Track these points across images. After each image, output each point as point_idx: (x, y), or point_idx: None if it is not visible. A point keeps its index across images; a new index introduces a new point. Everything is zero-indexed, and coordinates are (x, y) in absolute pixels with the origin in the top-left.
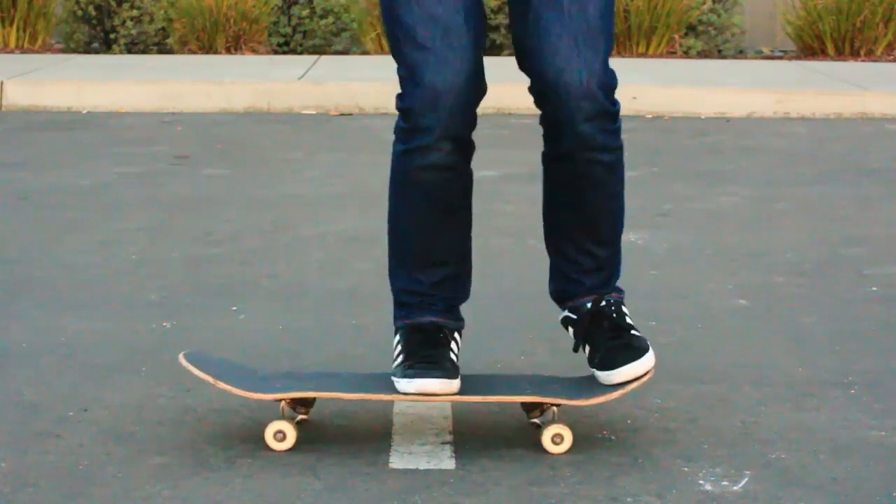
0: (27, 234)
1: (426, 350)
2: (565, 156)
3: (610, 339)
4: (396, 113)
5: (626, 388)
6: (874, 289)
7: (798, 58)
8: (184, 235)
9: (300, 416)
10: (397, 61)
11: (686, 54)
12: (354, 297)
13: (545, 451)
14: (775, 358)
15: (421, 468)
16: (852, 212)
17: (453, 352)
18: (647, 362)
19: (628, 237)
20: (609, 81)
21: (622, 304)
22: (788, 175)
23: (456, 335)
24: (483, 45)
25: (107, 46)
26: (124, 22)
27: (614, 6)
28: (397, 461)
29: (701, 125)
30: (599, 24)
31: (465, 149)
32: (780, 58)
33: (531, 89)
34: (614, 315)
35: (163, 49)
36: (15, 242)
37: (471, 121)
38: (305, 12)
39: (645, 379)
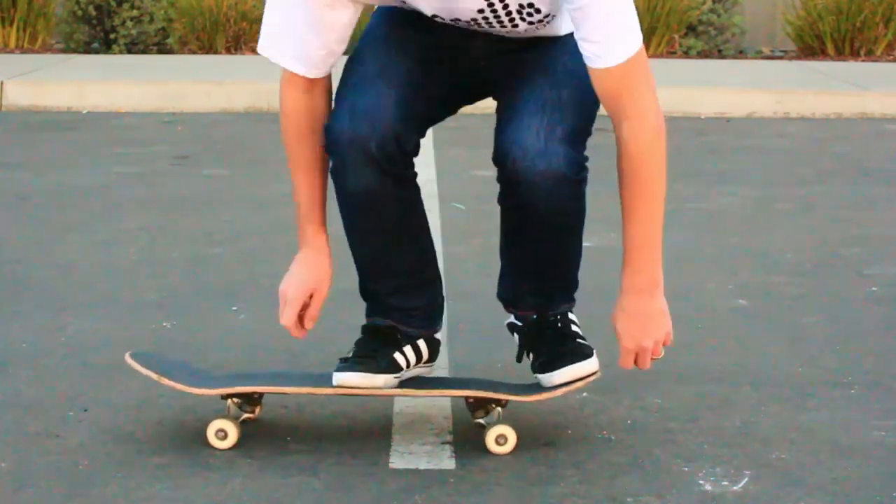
0: (27, 234)
1: (367, 346)
2: (520, 207)
3: (554, 347)
4: None
5: (570, 387)
6: (874, 289)
7: (798, 58)
8: (184, 235)
9: (245, 416)
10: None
11: (686, 54)
12: (354, 297)
13: (545, 451)
14: (775, 358)
15: (421, 468)
16: (852, 212)
17: (403, 353)
18: (589, 366)
19: None
20: (572, 151)
21: (569, 312)
22: (788, 175)
23: (419, 343)
24: (434, 111)
25: (107, 46)
26: (124, 22)
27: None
28: (397, 461)
29: (701, 125)
30: (572, 100)
31: (394, 170)
32: (780, 58)
33: (493, 156)
34: (559, 325)
35: (163, 49)
36: (15, 242)
37: (390, 154)
38: None
39: (589, 380)
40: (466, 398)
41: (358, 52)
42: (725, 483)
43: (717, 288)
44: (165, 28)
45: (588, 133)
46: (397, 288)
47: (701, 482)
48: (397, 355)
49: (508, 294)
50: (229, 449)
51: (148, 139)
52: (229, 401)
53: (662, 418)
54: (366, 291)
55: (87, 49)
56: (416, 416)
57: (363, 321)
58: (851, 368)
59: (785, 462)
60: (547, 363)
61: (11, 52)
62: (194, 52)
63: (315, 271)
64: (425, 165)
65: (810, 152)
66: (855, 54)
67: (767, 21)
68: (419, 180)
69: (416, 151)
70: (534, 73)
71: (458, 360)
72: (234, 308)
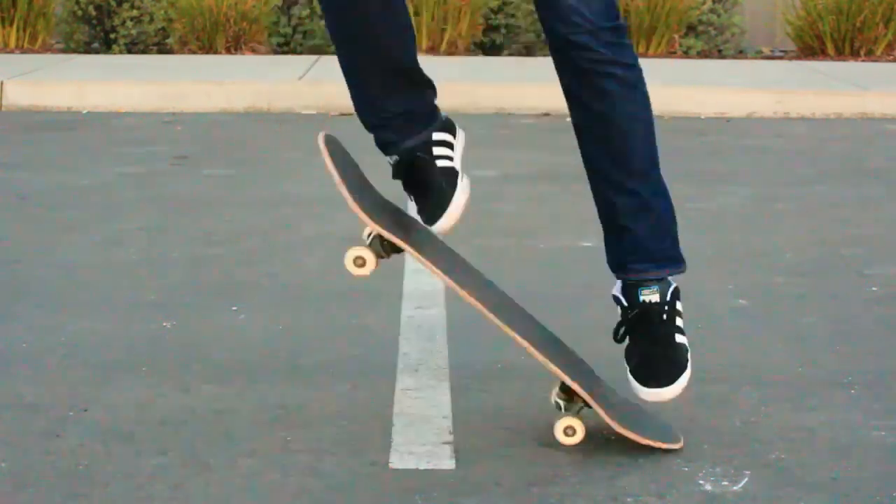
0: (27, 234)
1: (423, 189)
2: (578, 72)
3: (650, 345)
4: None
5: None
6: (874, 289)
7: (798, 58)
8: (184, 235)
9: (382, 256)
10: None
11: (686, 54)
12: (354, 297)
13: (545, 451)
14: (775, 358)
15: (421, 468)
16: (852, 212)
17: (445, 157)
18: (676, 388)
19: None
20: (606, 4)
21: (677, 300)
22: (788, 175)
23: (443, 134)
24: None
25: (107, 46)
26: (124, 22)
27: None
28: (397, 461)
29: (701, 125)
30: None
31: None
32: (780, 58)
33: (544, 29)
34: (664, 318)
35: (163, 49)
36: (15, 242)
37: None
38: (305, 12)
39: (625, 434)
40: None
41: None
42: (725, 483)
43: (717, 288)
44: (165, 28)
45: None
46: (394, 86)
47: (701, 482)
48: (443, 163)
49: (616, 243)
50: (229, 449)
51: (148, 139)
52: (372, 237)
53: (662, 418)
54: (367, 110)
55: (87, 49)
56: (416, 416)
57: (363, 321)
58: (851, 368)
59: (785, 462)
60: (640, 370)
61: (11, 52)
62: (194, 52)
63: None
64: None
65: (810, 152)
66: (855, 54)
67: (767, 21)
68: None
69: None
70: None
71: (459, 361)
72: (234, 308)
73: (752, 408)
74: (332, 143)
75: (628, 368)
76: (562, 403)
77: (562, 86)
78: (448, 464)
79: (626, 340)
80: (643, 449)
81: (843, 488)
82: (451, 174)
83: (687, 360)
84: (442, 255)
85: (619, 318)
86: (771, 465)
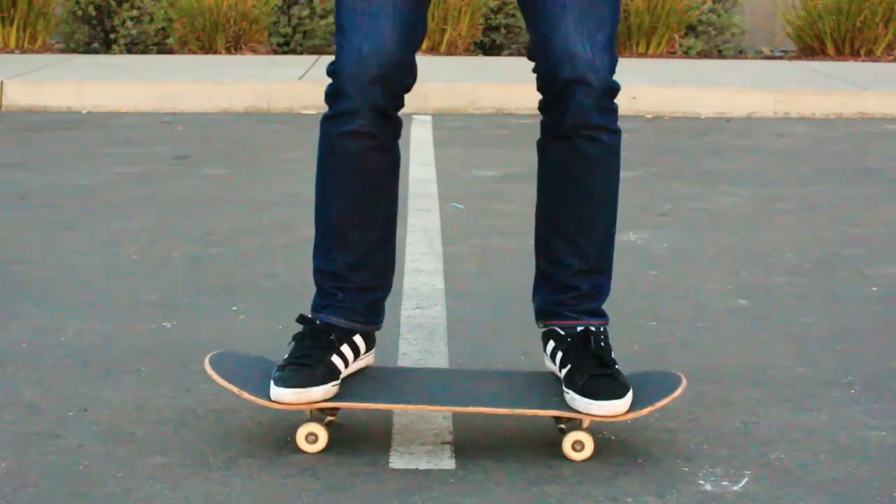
0: (27, 234)
1: (302, 350)
2: (563, 135)
3: (596, 366)
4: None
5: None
6: (874, 289)
7: (798, 58)
8: (184, 235)
9: (328, 418)
10: (336, 28)
11: (686, 54)
12: None
13: (545, 451)
14: (775, 358)
15: (421, 468)
16: (852, 212)
17: (341, 354)
18: (625, 403)
19: (628, 237)
20: (612, 58)
21: (608, 336)
22: (788, 175)
23: (356, 340)
24: (421, 31)
25: (107, 46)
26: (124, 22)
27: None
28: (397, 461)
29: (701, 125)
30: (602, 4)
31: (389, 124)
32: (780, 58)
33: (536, 70)
34: (602, 344)
35: (163, 49)
36: (15, 242)
37: (394, 94)
38: (305, 12)
39: (625, 417)
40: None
41: None
42: (725, 483)
43: (717, 288)
44: (165, 28)
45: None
46: (360, 263)
47: (701, 482)
48: (335, 358)
49: (551, 295)
50: (229, 449)
51: (148, 139)
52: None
53: (662, 418)
54: (319, 270)
55: (87, 49)
56: (417, 416)
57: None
58: (851, 368)
59: (785, 462)
60: (588, 387)
61: (11, 52)
62: (194, 52)
63: None
64: (425, 165)
65: (810, 152)
66: (855, 54)
67: (767, 21)
68: (419, 178)
69: (411, 86)
70: None
71: (458, 361)
72: (234, 308)
73: (752, 408)
74: (216, 361)
75: (572, 391)
76: (563, 425)
77: (539, 141)
78: (448, 464)
79: (566, 368)
80: (643, 449)
81: (843, 488)
82: (334, 373)
83: (629, 386)
84: (375, 385)
85: (549, 353)
86: (771, 465)
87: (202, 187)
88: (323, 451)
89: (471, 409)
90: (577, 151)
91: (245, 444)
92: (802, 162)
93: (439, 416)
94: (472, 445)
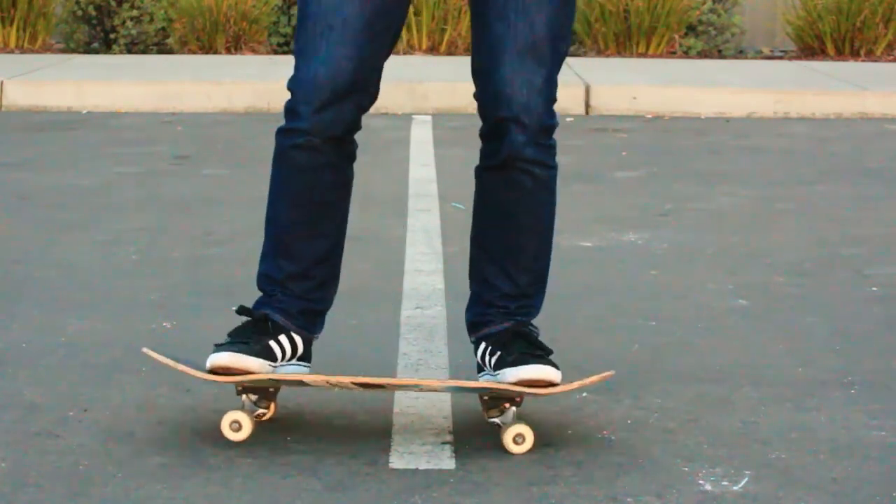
0: (27, 234)
1: (241, 333)
2: (499, 166)
3: (527, 346)
4: (396, 113)
5: (545, 389)
6: (874, 289)
7: (798, 58)
8: (184, 235)
9: (260, 411)
10: (294, 48)
11: (686, 54)
12: (354, 297)
13: (545, 451)
14: (775, 358)
15: (421, 468)
16: (852, 212)
17: (279, 342)
18: (555, 372)
19: (628, 237)
20: (549, 95)
21: (539, 335)
22: (788, 175)
23: (294, 336)
24: (387, 48)
25: (107, 46)
26: (124, 22)
27: (573, 13)
28: (397, 461)
29: (701, 125)
30: (546, 35)
31: (342, 145)
32: (780, 58)
33: (475, 96)
34: (532, 336)
35: (163, 49)
36: (15, 242)
37: (347, 120)
38: None
39: (553, 391)
40: (481, 395)
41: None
42: (725, 483)
43: (717, 288)
44: (165, 28)
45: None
46: (302, 274)
47: (701, 482)
48: (272, 343)
49: (480, 311)
50: (229, 449)
51: (148, 139)
52: (244, 396)
53: (662, 418)
54: (263, 275)
55: (87, 49)
56: (416, 416)
57: (363, 321)
58: (851, 368)
59: (785, 462)
60: (517, 361)
61: (11, 52)
62: (194, 52)
63: None
64: (425, 165)
65: (810, 152)
66: (855, 54)
67: (767, 21)
68: (419, 178)
69: (368, 107)
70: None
71: (458, 361)
72: (234, 308)
73: (752, 408)
74: (159, 349)
75: (504, 369)
76: (497, 419)
77: (477, 167)
78: (448, 464)
79: (493, 359)
80: (643, 449)
81: (843, 488)
82: (271, 355)
83: (558, 368)
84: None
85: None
86: (771, 465)
87: (202, 187)
88: (323, 451)
89: (379, 380)
90: (510, 182)
91: (245, 444)
92: (802, 162)
93: (439, 415)
94: (472, 445)
